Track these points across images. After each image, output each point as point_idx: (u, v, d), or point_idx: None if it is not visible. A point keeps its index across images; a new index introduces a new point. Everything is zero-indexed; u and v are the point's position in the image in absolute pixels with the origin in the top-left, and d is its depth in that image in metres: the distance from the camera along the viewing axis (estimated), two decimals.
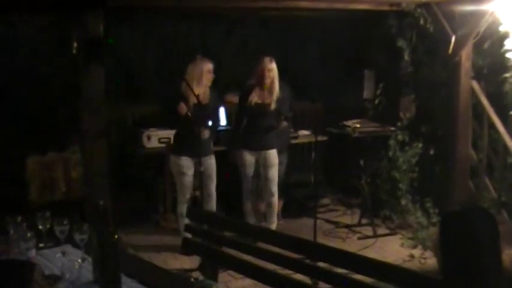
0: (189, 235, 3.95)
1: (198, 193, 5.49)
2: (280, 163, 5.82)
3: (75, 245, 2.93)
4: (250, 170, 5.72)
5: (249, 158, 5.68)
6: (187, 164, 5.41)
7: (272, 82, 5.51)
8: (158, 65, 6.93)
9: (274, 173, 5.72)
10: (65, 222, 2.95)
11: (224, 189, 5.90)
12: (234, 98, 6.18)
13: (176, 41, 6.96)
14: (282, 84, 5.67)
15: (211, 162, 5.51)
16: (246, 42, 7.34)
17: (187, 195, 5.51)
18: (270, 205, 5.79)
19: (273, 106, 5.54)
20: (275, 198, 5.77)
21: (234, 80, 6.64)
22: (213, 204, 5.55)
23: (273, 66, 5.51)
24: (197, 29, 7.11)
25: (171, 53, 6.80)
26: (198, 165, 5.19)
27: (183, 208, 5.38)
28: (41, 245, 3.08)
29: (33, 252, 2.89)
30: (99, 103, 4.78)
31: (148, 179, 6.51)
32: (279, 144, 5.80)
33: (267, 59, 5.51)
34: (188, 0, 5.52)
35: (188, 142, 5.31)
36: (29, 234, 2.90)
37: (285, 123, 5.63)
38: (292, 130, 6.48)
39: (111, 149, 5.23)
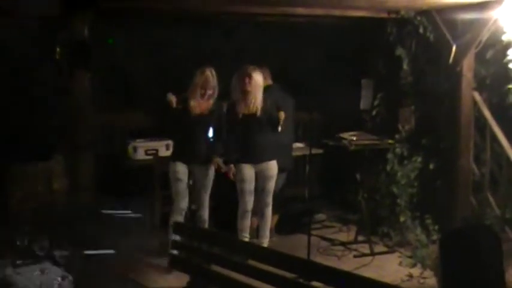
0: (176, 252, 3.80)
1: (193, 206, 5.43)
2: (278, 177, 5.68)
3: (56, 262, 2.87)
4: (250, 186, 5.53)
5: (249, 171, 5.50)
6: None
7: (253, 90, 5.37)
8: (151, 71, 6.93)
9: (272, 185, 5.59)
10: (45, 237, 2.94)
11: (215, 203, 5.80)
12: None
13: (170, 47, 6.96)
14: (284, 95, 5.72)
15: None
16: (242, 48, 7.32)
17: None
18: (263, 216, 5.63)
19: (259, 113, 5.39)
20: (269, 210, 5.62)
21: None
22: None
23: (256, 75, 5.39)
24: (192, 35, 7.08)
25: (164, 59, 6.70)
26: None
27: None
28: (18, 261, 3.00)
29: (9, 270, 2.84)
30: (86, 110, 4.81)
31: (135, 192, 6.40)
32: (281, 162, 5.65)
33: (249, 67, 5.40)
34: (184, 5, 5.46)
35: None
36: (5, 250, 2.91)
37: (282, 114, 5.34)
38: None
39: (97, 159, 5.21)
